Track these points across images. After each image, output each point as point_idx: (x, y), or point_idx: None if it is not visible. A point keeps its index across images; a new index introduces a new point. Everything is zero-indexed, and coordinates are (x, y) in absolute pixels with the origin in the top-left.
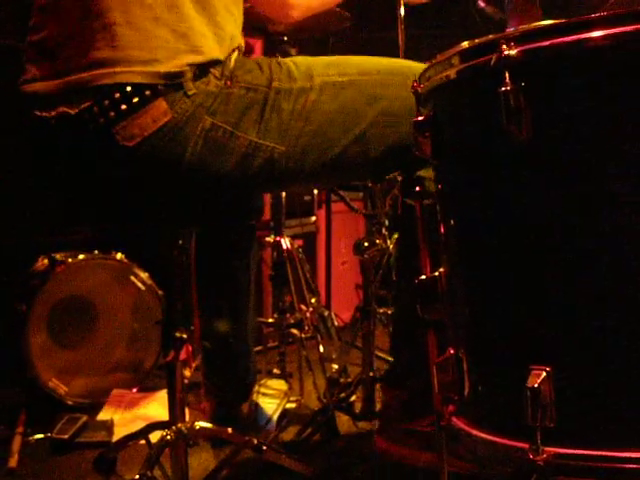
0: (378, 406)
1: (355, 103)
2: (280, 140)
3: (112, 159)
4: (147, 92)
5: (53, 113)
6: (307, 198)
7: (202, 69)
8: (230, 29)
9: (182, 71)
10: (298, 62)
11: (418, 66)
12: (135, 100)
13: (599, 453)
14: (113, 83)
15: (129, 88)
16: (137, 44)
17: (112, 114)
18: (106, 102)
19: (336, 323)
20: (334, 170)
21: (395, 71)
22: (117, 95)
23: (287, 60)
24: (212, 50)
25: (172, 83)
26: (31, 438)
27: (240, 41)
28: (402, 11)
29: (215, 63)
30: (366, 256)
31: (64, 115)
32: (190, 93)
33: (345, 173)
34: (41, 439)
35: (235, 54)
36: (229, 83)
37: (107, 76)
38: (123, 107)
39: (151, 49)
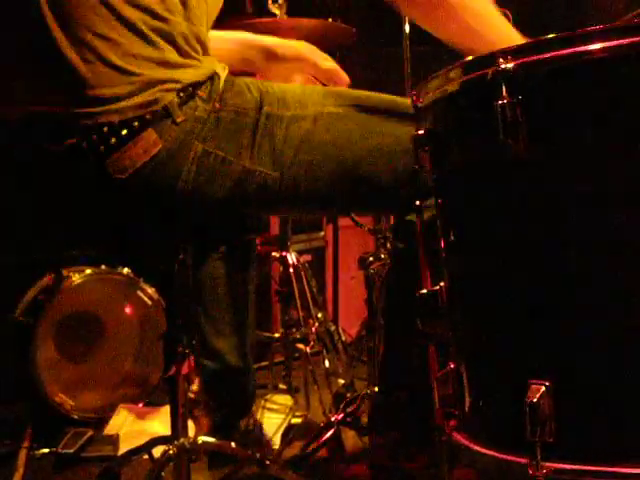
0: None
1: (349, 136)
2: (273, 166)
3: (107, 190)
4: (135, 123)
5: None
6: None
7: (187, 93)
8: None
9: (159, 97)
10: (293, 90)
11: None
12: (124, 132)
13: (599, 469)
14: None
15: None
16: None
17: (102, 148)
18: (94, 137)
19: (344, 338)
20: (326, 202)
21: (393, 108)
22: (105, 129)
23: (281, 86)
24: (187, 74)
25: (159, 112)
26: (37, 452)
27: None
28: (407, 27)
29: (197, 85)
30: (371, 271)
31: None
32: (178, 120)
33: (336, 206)
34: (47, 454)
35: (224, 73)
36: (218, 106)
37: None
38: (112, 140)
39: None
